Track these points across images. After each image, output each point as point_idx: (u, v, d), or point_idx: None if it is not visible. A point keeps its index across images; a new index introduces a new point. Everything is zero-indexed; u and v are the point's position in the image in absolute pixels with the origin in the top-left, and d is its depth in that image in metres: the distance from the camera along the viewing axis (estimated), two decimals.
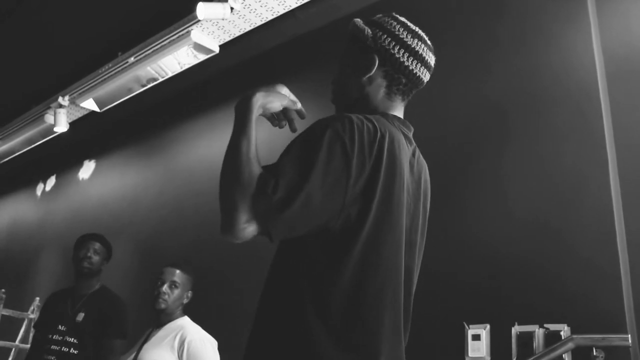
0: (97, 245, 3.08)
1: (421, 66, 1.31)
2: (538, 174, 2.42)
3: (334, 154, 1.08)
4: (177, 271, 2.68)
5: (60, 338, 2.90)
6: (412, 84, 1.32)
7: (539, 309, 2.23)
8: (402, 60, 1.29)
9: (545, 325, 2.17)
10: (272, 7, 3.34)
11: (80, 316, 2.94)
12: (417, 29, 1.34)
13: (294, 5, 3.33)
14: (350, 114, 1.15)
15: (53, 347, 2.89)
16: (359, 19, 1.35)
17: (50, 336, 2.91)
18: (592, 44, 2.41)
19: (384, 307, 1.12)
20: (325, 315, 1.07)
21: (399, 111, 1.34)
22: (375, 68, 1.30)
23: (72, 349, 2.86)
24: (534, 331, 2.18)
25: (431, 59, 1.34)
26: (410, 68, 1.30)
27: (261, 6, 3.33)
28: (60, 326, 2.92)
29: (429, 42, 1.34)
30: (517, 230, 2.39)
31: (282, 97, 1.22)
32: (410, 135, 1.33)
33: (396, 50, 1.29)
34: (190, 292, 2.70)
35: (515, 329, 2.22)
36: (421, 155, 1.34)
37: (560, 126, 2.41)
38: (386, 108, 1.31)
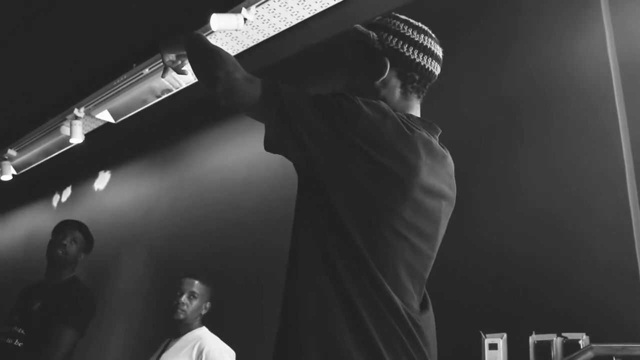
0: (77, 234, 2.73)
1: (432, 60, 1.32)
2: (553, 174, 2.40)
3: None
4: (196, 282, 2.69)
5: (9, 329, 2.60)
6: (425, 79, 1.33)
7: (556, 317, 2.21)
8: (412, 57, 1.30)
9: (564, 334, 2.14)
10: (285, 18, 3.36)
11: (36, 305, 2.59)
12: (420, 24, 1.35)
13: (307, 16, 3.35)
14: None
15: (0, 338, 2.60)
16: (359, 25, 1.36)
17: (3, 329, 2.63)
18: (606, 42, 2.40)
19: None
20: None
21: (416, 110, 1.34)
22: (387, 70, 1.30)
23: (17, 340, 2.54)
24: (552, 340, 2.15)
25: (439, 51, 1.35)
26: (422, 64, 1.30)
27: (274, 17, 3.35)
28: (16, 317, 2.63)
29: (433, 34, 1.35)
30: (533, 235, 2.37)
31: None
32: (437, 136, 1.33)
33: (405, 49, 1.29)
34: (208, 302, 2.71)
35: (533, 338, 2.19)
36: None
37: (574, 124, 2.40)
38: (404, 108, 1.31)
